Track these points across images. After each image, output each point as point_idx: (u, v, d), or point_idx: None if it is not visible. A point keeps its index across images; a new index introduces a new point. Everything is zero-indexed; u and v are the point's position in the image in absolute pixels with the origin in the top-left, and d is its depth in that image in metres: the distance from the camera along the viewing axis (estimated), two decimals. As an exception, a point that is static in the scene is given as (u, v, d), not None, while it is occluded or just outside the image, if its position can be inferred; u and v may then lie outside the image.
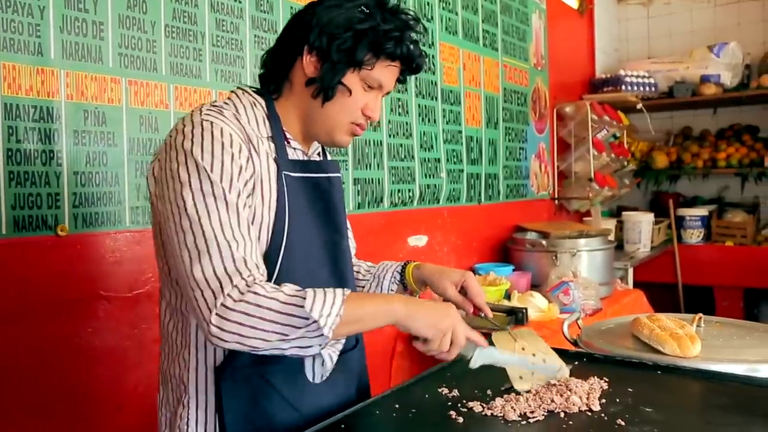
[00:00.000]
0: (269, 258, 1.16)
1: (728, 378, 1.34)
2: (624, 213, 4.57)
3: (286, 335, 1.05)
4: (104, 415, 1.76)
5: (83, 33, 1.70)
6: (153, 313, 1.85)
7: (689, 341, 1.43)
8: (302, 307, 1.04)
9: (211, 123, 1.13)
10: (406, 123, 2.85)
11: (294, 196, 1.21)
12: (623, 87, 4.65)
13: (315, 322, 1.04)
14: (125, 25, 1.80)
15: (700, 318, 1.66)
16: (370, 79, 1.23)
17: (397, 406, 1.22)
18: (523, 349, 1.34)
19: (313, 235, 1.25)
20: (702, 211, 4.78)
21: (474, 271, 3.23)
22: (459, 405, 1.21)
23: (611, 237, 3.95)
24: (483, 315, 1.42)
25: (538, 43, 4.07)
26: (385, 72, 1.24)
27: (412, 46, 1.25)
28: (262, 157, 1.18)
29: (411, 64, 1.27)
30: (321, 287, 1.10)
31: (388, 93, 1.30)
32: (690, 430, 1.12)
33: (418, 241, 2.97)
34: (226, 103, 1.21)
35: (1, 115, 1.55)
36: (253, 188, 1.15)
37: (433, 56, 3.03)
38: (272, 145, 1.21)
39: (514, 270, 3.29)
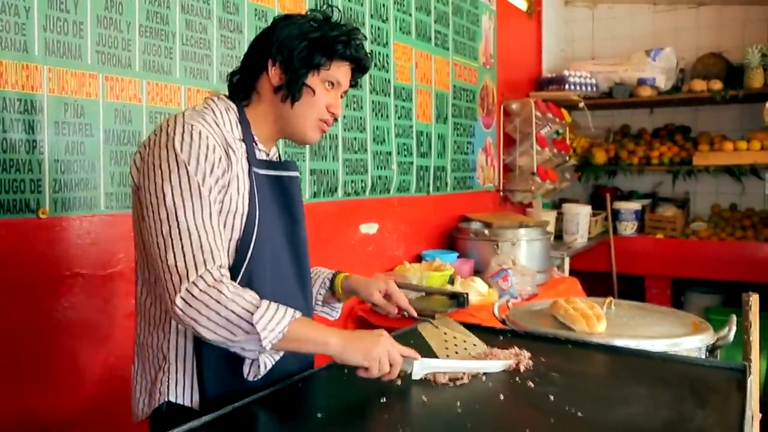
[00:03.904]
0: (243, 242, 1.35)
1: (625, 351, 1.60)
2: (564, 205, 4.86)
3: (233, 335, 1.22)
4: (79, 383, 1.93)
5: (65, 32, 1.85)
6: (124, 290, 2.02)
7: (596, 320, 1.69)
8: (252, 315, 1.20)
9: (192, 126, 1.31)
10: (360, 118, 3.05)
11: (261, 190, 1.40)
12: (567, 86, 4.93)
13: (257, 334, 1.20)
14: (103, 25, 1.95)
15: (611, 301, 1.92)
16: (329, 78, 1.44)
17: (345, 371, 1.43)
18: (445, 333, 1.57)
19: (277, 224, 1.45)
20: (636, 205, 5.12)
21: (421, 258, 3.46)
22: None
23: (550, 228, 4.24)
24: (407, 314, 1.62)
25: (488, 43, 4.31)
26: (340, 71, 1.46)
27: (358, 48, 1.47)
28: (237, 155, 1.37)
29: (359, 63, 1.49)
30: (283, 269, 1.29)
31: (345, 92, 1.52)
32: (582, 389, 1.36)
33: (370, 228, 3.18)
34: (205, 108, 1.40)
35: (-11, 108, 1.69)
36: (228, 183, 1.34)
37: (387, 55, 3.23)
38: (243, 146, 1.41)
39: (458, 257, 3.53)
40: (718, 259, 4.68)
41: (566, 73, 4.99)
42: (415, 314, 1.63)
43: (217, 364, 1.34)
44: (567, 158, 4.89)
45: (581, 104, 4.95)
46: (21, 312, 1.78)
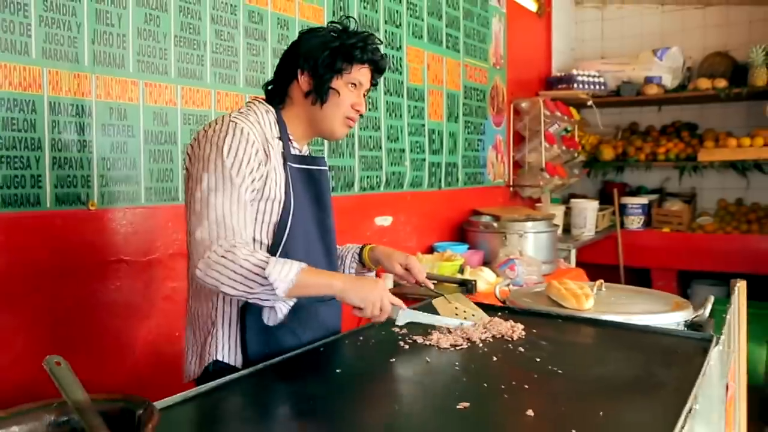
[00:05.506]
0: (280, 226, 1.57)
1: (609, 324, 1.79)
2: (572, 200, 5.03)
3: (251, 288, 1.43)
4: (122, 358, 2.16)
5: (110, 44, 2.08)
6: (162, 275, 2.25)
7: (584, 298, 1.88)
8: (264, 269, 1.41)
9: (236, 124, 1.54)
10: (375, 118, 3.25)
11: (295, 181, 1.62)
12: (575, 85, 5.10)
13: (271, 284, 1.41)
14: (143, 37, 2.17)
15: (601, 283, 2.11)
16: (351, 80, 1.66)
17: (361, 338, 1.64)
18: (456, 308, 1.78)
19: (308, 211, 1.67)
20: (643, 200, 5.28)
21: (433, 249, 3.67)
22: (406, 338, 1.64)
23: (557, 221, 4.42)
24: (424, 286, 1.83)
25: (498, 45, 4.50)
26: (360, 73, 1.68)
27: (374, 52, 1.69)
28: (275, 150, 1.59)
29: (376, 65, 1.71)
30: (313, 250, 1.52)
31: (368, 91, 1.74)
32: (566, 354, 1.56)
33: (384, 221, 3.39)
34: (248, 110, 1.63)
35: (47, 112, 1.92)
36: (267, 174, 1.55)
37: (400, 58, 3.43)
38: (280, 143, 1.63)
39: (468, 248, 3.73)
40: (723, 252, 4.83)
41: (575, 72, 5.16)
42: (431, 286, 1.84)
43: (257, 328, 1.56)
44: (575, 155, 5.06)
45: (589, 102, 5.11)
46: (72, 293, 2.01)
